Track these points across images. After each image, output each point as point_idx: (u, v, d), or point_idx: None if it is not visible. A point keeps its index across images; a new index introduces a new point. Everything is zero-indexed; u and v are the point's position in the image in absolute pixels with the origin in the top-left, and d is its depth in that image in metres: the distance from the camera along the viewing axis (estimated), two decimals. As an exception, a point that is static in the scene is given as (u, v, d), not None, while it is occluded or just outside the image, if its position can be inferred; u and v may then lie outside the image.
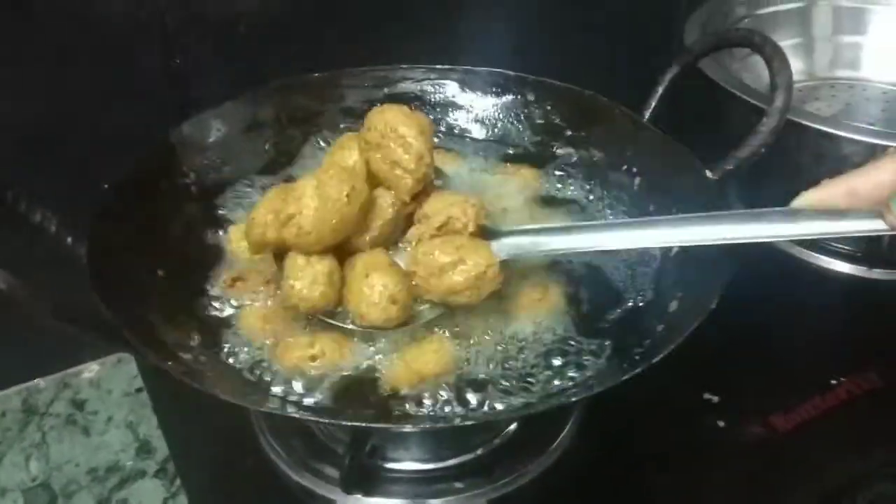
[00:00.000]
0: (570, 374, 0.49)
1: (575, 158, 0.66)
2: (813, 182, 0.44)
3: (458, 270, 0.49)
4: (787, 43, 0.84)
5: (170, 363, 0.45)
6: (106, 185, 0.55)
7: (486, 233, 0.52)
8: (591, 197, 0.64)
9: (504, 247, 0.51)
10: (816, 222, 0.44)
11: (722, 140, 0.60)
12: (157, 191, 0.59)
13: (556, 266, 0.57)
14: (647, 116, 0.65)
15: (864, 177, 0.42)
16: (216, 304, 0.54)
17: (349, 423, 0.48)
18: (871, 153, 0.63)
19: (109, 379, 0.75)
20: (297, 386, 0.49)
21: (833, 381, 0.65)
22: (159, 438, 0.69)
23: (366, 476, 0.56)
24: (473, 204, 0.52)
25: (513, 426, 0.60)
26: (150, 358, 0.46)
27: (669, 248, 0.57)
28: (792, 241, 0.39)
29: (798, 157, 0.67)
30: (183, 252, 0.57)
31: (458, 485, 0.57)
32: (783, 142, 0.66)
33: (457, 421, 0.46)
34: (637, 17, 0.88)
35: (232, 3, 0.70)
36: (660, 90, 0.65)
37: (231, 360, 0.51)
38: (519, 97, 0.69)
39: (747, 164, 0.57)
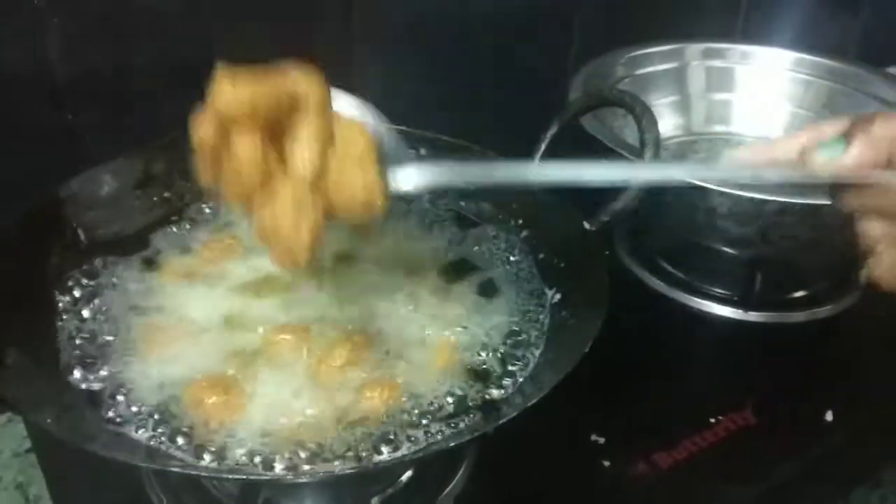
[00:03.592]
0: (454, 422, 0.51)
1: (466, 210, 0.69)
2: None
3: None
4: (665, 101, 0.90)
5: (49, 421, 0.45)
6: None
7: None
8: (481, 248, 0.67)
9: (412, 176, 0.49)
10: (739, 171, 0.50)
11: (599, 190, 0.63)
12: (43, 245, 0.58)
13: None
14: (531, 170, 0.68)
15: (785, 142, 0.47)
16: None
17: (233, 478, 0.48)
18: (737, 203, 0.68)
19: (-3, 439, 0.73)
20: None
21: (711, 420, 0.68)
22: (49, 500, 0.67)
23: (257, 530, 0.56)
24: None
25: (407, 473, 0.61)
26: (32, 417, 0.45)
27: (552, 298, 0.60)
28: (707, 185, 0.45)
29: (675, 208, 0.72)
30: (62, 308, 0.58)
31: (353, 534, 0.58)
32: (660, 194, 0.70)
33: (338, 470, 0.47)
34: (531, 76, 0.93)
35: (124, 58, 0.70)
36: (542, 146, 0.68)
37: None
38: (411, 152, 0.72)
39: (621, 215, 0.61)
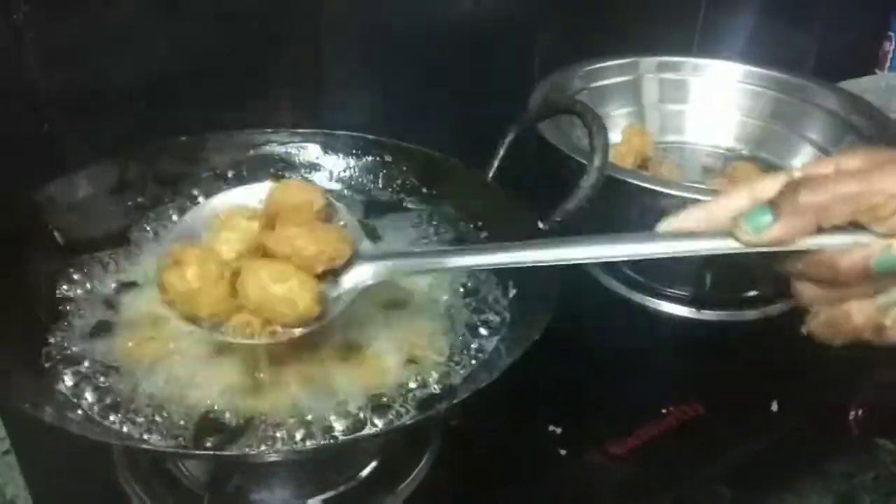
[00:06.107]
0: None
1: (428, 214, 0.73)
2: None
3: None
4: (621, 111, 0.94)
5: (28, 406, 0.48)
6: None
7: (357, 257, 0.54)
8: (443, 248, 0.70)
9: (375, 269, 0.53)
10: (675, 242, 0.46)
11: (556, 193, 0.67)
12: (19, 247, 0.61)
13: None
14: (490, 174, 0.72)
15: (720, 203, 0.47)
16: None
17: (208, 454, 0.51)
18: (684, 206, 0.72)
19: (-27, 442, 0.75)
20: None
21: (664, 410, 0.72)
22: (26, 499, 0.69)
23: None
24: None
25: (373, 463, 0.64)
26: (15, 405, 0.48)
27: (510, 292, 0.64)
28: (651, 259, 0.44)
29: (626, 210, 0.75)
30: (41, 307, 0.60)
31: (320, 520, 0.60)
32: (613, 197, 0.74)
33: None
34: (492, 88, 0.97)
35: (102, 72, 0.73)
36: (501, 151, 0.72)
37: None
38: (377, 158, 0.75)
39: (572, 215, 0.64)
